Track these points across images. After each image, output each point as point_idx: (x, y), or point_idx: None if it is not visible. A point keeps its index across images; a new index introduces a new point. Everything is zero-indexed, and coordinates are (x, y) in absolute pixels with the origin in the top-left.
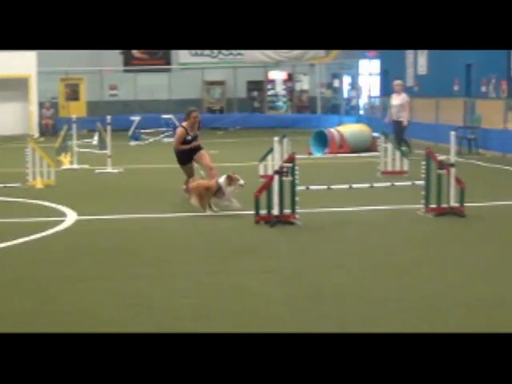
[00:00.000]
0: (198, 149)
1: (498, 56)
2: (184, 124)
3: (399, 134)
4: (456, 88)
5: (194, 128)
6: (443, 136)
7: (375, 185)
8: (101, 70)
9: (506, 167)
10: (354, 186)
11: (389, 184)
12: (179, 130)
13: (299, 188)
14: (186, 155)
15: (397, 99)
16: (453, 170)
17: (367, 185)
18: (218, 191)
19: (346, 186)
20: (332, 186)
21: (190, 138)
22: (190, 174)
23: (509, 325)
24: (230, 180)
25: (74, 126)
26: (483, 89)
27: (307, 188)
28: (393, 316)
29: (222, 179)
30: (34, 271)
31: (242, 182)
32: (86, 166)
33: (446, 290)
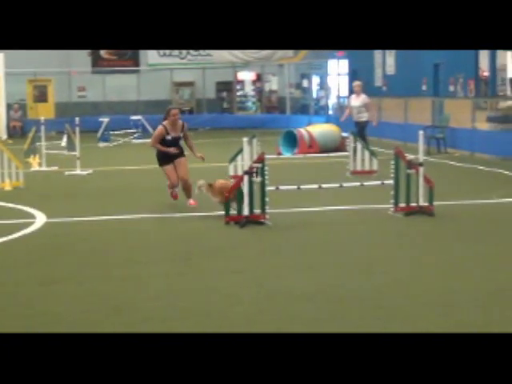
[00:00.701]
0: (179, 154)
1: (466, 56)
2: (164, 123)
3: (361, 134)
4: (424, 88)
5: (175, 128)
6: (412, 135)
7: (344, 184)
8: (69, 72)
9: (475, 166)
10: (324, 185)
11: (358, 184)
12: (158, 128)
13: (269, 188)
14: (164, 156)
15: (356, 100)
16: (421, 170)
17: (337, 185)
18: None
19: (315, 186)
20: (302, 186)
21: (169, 138)
22: (171, 177)
23: (478, 324)
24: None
25: (43, 128)
26: (451, 88)
27: (277, 188)
28: (362, 315)
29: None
30: (2, 274)
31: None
32: (55, 168)
33: (416, 289)
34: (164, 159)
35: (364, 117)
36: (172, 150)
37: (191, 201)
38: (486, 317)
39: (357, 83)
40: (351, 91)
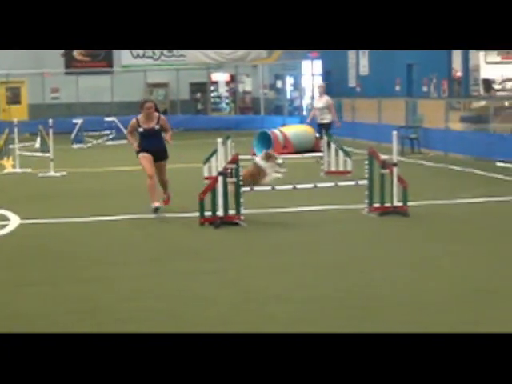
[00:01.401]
0: (159, 151)
1: (439, 56)
2: (139, 116)
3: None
4: (398, 88)
5: (149, 121)
6: (386, 136)
7: (319, 185)
8: (42, 73)
9: (448, 166)
10: (298, 186)
11: (332, 184)
12: (131, 120)
13: (244, 189)
14: (142, 147)
15: (320, 102)
16: (395, 170)
17: (311, 185)
18: (261, 172)
19: (289, 187)
20: (276, 187)
21: (141, 130)
22: (148, 168)
23: (452, 323)
24: (268, 157)
25: (16, 130)
26: (424, 89)
27: (251, 189)
28: (337, 315)
29: (258, 159)
30: None
31: (280, 160)
32: (29, 170)
33: (390, 289)
34: (141, 146)
35: (327, 118)
36: (134, 146)
37: (155, 204)
38: (460, 317)
39: (319, 84)
40: (325, 92)
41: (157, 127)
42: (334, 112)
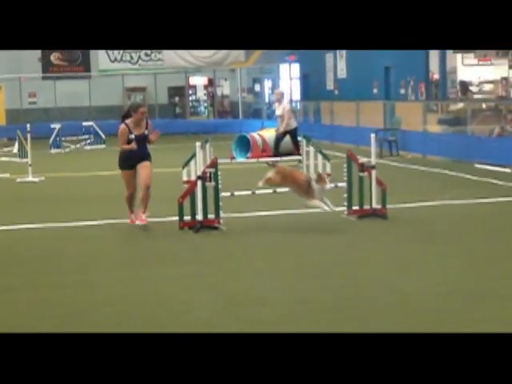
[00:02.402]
0: (143, 157)
1: (416, 59)
2: (127, 121)
3: (292, 141)
4: (375, 91)
5: (140, 126)
6: (364, 139)
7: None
8: (19, 78)
9: (427, 168)
10: (279, 189)
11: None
12: (121, 127)
13: (223, 194)
14: (126, 159)
15: (279, 109)
16: (374, 172)
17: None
18: (310, 190)
19: (269, 191)
20: (257, 191)
21: (133, 136)
22: (129, 185)
23: (431, 325)
24: (320, 179)
25: None
26: (402, 91)
27: (232, 194)
28: (316, 318)
29: (314, 178)
30: None
31: (328, 186)
32: (7, 175)
33: (369, 291)
34: (126, 162)
35: (291, 124)
36: (133, 144)
37: (143, 216)
38: (442, 317)
39: (277, 91)
40: (304, 95)
41: (146, 133)
42: (287, 121)
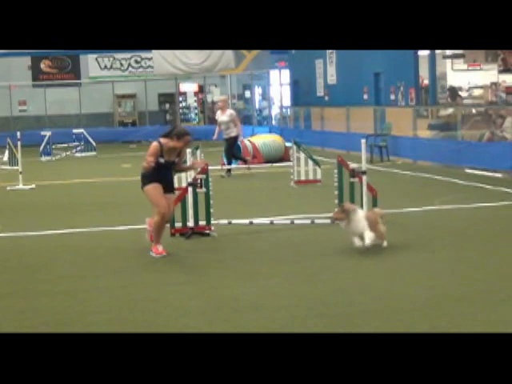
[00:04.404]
0: (169, 186)
1: (406, 64)
2: (163, 140)
3: (229, 149)
4: (365, 97)
5: (173, 153)
6: (355, 144)
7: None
8: (9, 85)
9: (417, 173)
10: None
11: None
12: (153, 145)
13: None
14: (154, 173)
15: (223, 116)
16: (365, 178)
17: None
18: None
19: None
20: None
21: (162, 161)
22: (161, 200)
23: (424, 329)
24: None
25: None
26: (392, 97)
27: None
28: (307, 323)
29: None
30: None
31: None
32: None
33: (360, 297)
34: (152, 176)
35: (233, 132)
36: (151, 161)
37: (160, 248)
38: (431, 322)
39: (221, 98)
40: (294, 101)
41: (176, 160)
42: (240, 126)
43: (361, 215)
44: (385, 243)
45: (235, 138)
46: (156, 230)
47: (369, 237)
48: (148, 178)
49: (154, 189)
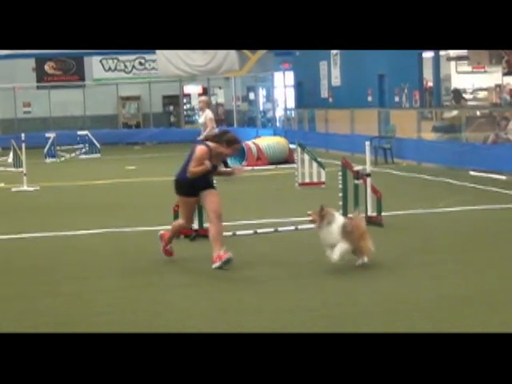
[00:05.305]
0: (209, 184)
1: (410, 66)
2: (211, 145)
3: None
4: (370, 99)
5: (218, 159)
6: (359, 146)
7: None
8: (13, 87)
9: (421, 176)
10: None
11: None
12: (201, 149)
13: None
14: (190, 185)
15: (201, 117)
16: (369, 180)
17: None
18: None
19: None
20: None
21: (209, 164)
22: (189, 214)
23: (425, 330)
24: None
25: None
26: (396, 99)
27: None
28: (311, 324)
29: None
30: None
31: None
32: (2, 185)
33: (362, 298)
34: (189, 189)
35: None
36: (208, 163)
37: (221, 252)
38: (433, 323)
39: (200, 99)
40: (298, 103)
41: (219, 166)
42: (210, 129)
43: (336, 226)
44: (365, 259)
45: None
46: (172, 231)
47: (338, 250)
48: (185, 189)
49: (187, 202)
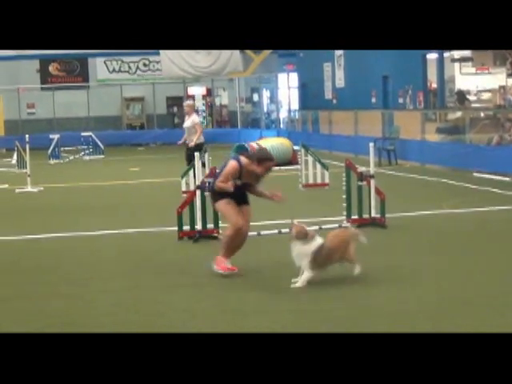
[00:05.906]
0: (245, 198)
1: (414, 68)
2: (243, 160)
3: (188, 158)
4: (374, 100)
5: (251, 177)
6: (363, 148)
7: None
8: (17, 89)
9: (425, 177)
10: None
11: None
12: (232, 164)
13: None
14: (226, 193)
15: (187, 121)
16: (373, 182)
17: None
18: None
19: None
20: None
21: (239, 183)
22: (237, 214)
23: (427, 327)
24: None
25: None
26: (400, 100)
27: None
28: (313, 326)
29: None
30: None
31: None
32: (6, 186)
33: (366, 300)
34: (222, 193)
35: (192, 141)
36: (231, 186)
37: (229, 264)
38: (435, 324)
39: (187, 103)
40: (302, 105)
41: (254, 183)
42: (199, 135)
43: (309, 250)
44: (357, 269)
45: (193, 149)
46: (228, 244)
47: (304, 279)
48: (220, 194)
49: (227, 203)
